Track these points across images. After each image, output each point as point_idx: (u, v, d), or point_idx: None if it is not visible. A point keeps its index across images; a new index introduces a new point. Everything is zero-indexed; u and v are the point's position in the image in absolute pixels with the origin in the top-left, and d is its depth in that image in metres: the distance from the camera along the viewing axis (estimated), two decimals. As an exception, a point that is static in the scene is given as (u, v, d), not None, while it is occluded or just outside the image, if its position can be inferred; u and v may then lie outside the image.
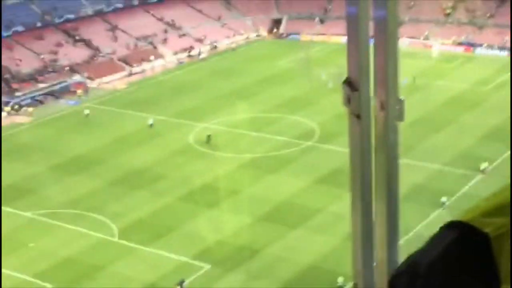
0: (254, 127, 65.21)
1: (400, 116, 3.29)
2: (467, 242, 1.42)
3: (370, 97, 3.26)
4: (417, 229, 43.75)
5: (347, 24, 3.18)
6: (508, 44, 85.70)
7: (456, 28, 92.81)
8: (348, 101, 3.24)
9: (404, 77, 73.86)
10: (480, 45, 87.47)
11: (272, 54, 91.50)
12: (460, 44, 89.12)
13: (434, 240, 1.48)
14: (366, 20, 3.20)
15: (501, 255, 1.39)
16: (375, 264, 3.64)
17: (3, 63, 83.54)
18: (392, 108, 3.23)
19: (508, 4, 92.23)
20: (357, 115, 3.24)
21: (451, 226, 1.47)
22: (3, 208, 51.35)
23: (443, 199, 48.79)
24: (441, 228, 1.50)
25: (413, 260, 1.50)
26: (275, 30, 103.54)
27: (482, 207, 1.47)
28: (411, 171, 51.38)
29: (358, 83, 3.20)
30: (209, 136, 62.02)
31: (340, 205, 49.08)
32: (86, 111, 72.13)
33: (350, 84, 3.20)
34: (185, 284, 41.88)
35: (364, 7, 3.19)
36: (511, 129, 55.30)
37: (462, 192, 50.75)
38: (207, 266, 44.00)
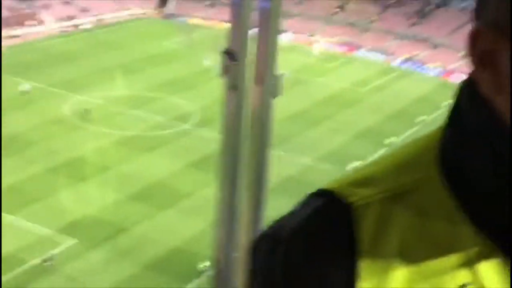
0: (132, 105, 64.50)
1: (276, 92, 3.36)
2: (330, 211, 1.42)
3: (247, 70, 3.32)
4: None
5: None
6: (387, 50, 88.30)
7: (341, 28, 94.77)
8: (225, 71, 3.29)
9: (284, 71, 74.81)
10: (361, 47, 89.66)
11: (157, 33, 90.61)
12: (343, 44, 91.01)
13: (300, 207, 1.48)
14: None
15: (363, 226, 1.38)
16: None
17: None
18: (269, 83, 3.29)
19: (392, 9, 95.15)
20: (234, 86, 3.28)
21: (317, 194, 1.46)
22: None
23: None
24: (308, 195, 1.49)
25: (279, 225, 1.49)
26: (162, 8, 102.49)
27: (351, 177, 1.47)
28: (283, 163, 52.14)
29: (237, 54, 3.26)
30: (86, 110, 60.79)
31: (211, 191, 49.30)
32: None
33: (229, 54, 3.26)
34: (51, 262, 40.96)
35: None
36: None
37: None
38: (72, 241, 43.24)
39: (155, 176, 51.84)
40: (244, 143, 3.45)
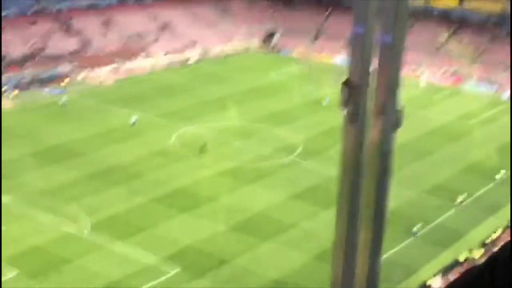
0: (238, 136, 65.15)
1: (398, 123, 3.30)
2: None
3: (368, 101, 3.26)
4: (387, 255, 43.68)
5: (355, 15, 3.24)
6: (495, 82, 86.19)
7: (447, 60, 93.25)
8: (346, 102, 3.23)
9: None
10: (469, 80, 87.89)
11: (263, 65, 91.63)
12: (449, 76, 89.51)
13: None
14: (371, 28, 3.23)
15: None
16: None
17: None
18: (391, 115, 3.22)
19: (500, 41, 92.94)
20: (354, 118, 3.22)
21: None
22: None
23: (416, 228, 48.83)
24: None
25: None
26: (268, 42, 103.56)
27: None
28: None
29: (358, 86, 3.20)
30: (203, 145, 61.41)
31: (314, 223, 49.19)
32: (64, 99, 72.18)
33: (350, 85, 3.20)
34: None
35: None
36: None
37: (436, 223, 50.83)
38: (175, 269, 43.74)
39: (258, 207, 51.98)
40: (364, 176, 3.35)
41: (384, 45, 3.18)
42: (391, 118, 3.29)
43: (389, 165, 3.34)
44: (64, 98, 72.49)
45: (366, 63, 3.27)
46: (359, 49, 3.27)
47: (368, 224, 3.38)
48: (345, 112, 3.27)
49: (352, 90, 3.26)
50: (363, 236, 3.45)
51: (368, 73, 3.27)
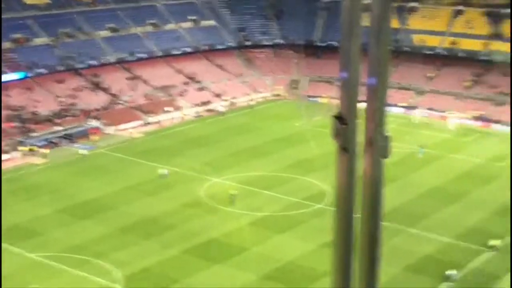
0: (266, 186, 65.26)
1: (386, 153, 3.58)
2: None
3: (357, 132, 3.60)
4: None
5: (341, 62, 3.63)
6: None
7: (474, 103, 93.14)
8: (336, 134, 3.56)
9: (421, 148, 74.17)
10: (498, 122, 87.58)
11: (289, 114, 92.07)
12: (477, 118, 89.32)
13: None
14: (356, 59, 3.57)
15: None
16: None
17: (23, 103, 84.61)
18: (379, 144, 3.52)
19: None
20: (345, 148, 3.53)
21: None
22: (8, 247, 51.30)
23: (450, 272, 48.21)
24: None
25: None
26: (293, 90, 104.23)
27: None
28: (420, 241, 51.09)
29: (347, 118, 3.52)
30: (233, 196, 61.63)
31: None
32: (83, 151, 73.36)
33: (339, 118, 3.54)
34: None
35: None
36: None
37: (470, 267, 50.20)
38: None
39: (289, 256, 51.78)
40: (356, 205, 3.70)
41: (369, 86, 3.56)
42: (380, 148, 3.60)
43: (380, 193, 3.64)
44: (84, 151, 73.48)
45: (354, 100, 3.63)
46: (346, 90, 3.69)
47: (364, 252, 3.61)
48: (336, 143, 3.66)
49: (342, 123, 3.63)
50: (359, 266, 3.70)
51: (356, 108, 3.65)
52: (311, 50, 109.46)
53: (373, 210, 3.59)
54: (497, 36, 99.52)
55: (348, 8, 3.62)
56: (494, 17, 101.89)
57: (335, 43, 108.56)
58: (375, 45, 3.57)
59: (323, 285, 47.86)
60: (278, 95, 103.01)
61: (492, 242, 52.99)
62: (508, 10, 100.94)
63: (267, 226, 56.83)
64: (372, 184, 3.58)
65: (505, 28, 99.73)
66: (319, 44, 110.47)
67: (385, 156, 3.64)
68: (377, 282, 3.62)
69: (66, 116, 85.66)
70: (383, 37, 3.65)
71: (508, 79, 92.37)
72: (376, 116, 3.59)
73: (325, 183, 65.32)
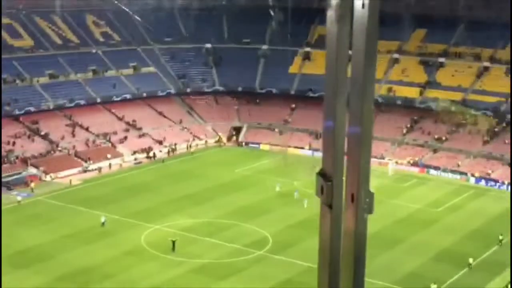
0: (207, 232, 64.91)
1: (370, 209, 3.50)
2: None
3: (342, 189, 3.49)
4: None
5: (324, 119, 3.51)
6: (460, 169, 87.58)
7: (411, 149, 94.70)
8: (321, 191, 3.47)
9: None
10: (434, 168, 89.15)
11: (230, 160, 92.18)
12: (414, 164, 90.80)
13: None
14: (342, 118, 3.50)
15: None
16: None
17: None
18: (362, 201, 3.44)
19: (461, 129, 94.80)
20: (329, 205, 3.45)
21: None
22: None
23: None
24: None
25: None
26: (234, 137, 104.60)
27: None
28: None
29: (331, 174, 3.44)
30: (173, 243, 60.93)
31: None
32: (20, 199, 72.41)
33: (324, 175, 3.45)
34: None
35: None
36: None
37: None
38: None
39: (231, 304, 51.42)
40: (341, 260, 3.56)
41: (352, 136, 3.47)
42: (363, 204, 3.53)
43: (364, 251, 3.57)
44: (19, 198, 72.53)
45: (339, 153, 3.55)
46: (330, 141, 3.55)
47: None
48: (320, 199, 3.53)
49: (325, 179, 3.52)
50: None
51: (341, 163, 3.54)
52: (251, 97, 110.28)
53: (356, 268, 3.50)
54: (432, 84, 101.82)
55: (334, 51, 3.52)
56: (430, 66, 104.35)
57: (274, 90, 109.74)
58: (359, 95, 3.47)
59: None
60: (218, 141, 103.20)
61: (433, 287, 53.56)
62: (443, 59, 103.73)
63: (208, 273, 56.39)
64: (356, 241, 3.48)
65: (439, 76, 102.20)
66: (258, 91, 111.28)
67: (370, 212, 3.57)
68: None
69: (4, 163, 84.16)
70: (368, 87, 3.53)
71: (443, 125, 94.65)
72: (360, 171, 3.46)
73: (266, 230, 65.33)
